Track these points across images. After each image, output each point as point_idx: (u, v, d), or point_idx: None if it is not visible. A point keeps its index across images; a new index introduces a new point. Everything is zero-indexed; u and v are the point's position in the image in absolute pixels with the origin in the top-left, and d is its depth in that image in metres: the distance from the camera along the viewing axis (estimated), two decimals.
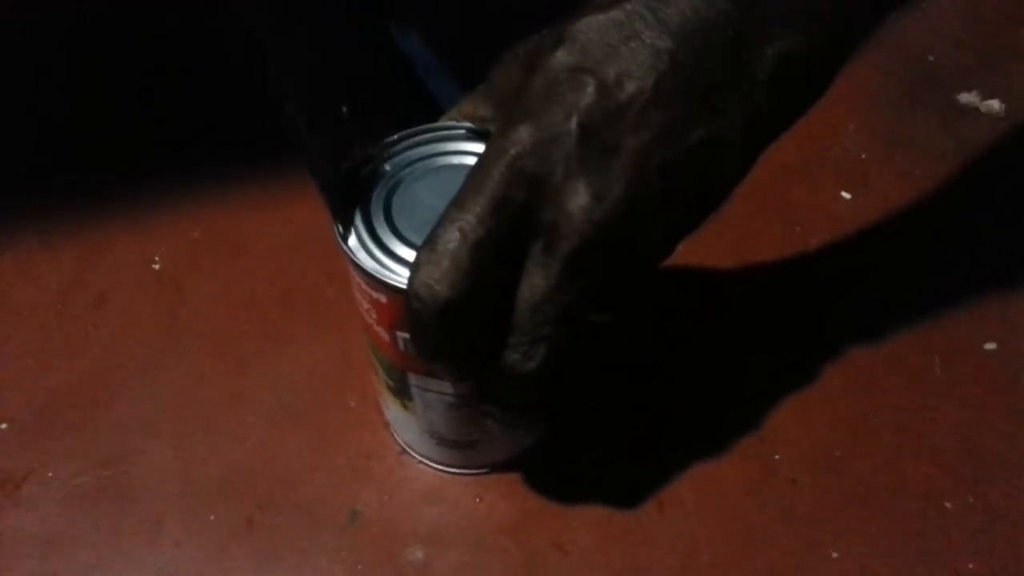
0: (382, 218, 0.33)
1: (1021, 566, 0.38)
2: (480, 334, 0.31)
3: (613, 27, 0.29)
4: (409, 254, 0.32)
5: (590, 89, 0.28)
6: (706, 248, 0.50)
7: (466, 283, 0.28)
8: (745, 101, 0.29)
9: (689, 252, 0.49)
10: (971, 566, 0.38)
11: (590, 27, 0.29)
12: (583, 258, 0.29)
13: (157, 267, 0.50)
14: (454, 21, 0.65)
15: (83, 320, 0.48)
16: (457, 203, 0.29)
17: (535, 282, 0.29)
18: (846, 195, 0.54)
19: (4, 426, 0.44)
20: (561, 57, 0.29)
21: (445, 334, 0.30)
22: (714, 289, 0.49)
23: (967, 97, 0.60)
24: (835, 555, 0.39)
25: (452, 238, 0.28)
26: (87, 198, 0.54)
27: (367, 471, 0.42)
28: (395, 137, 0.36)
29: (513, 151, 0.29)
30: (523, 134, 0.29)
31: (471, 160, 0.35)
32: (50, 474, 0.42)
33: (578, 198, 0.28)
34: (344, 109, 0.33)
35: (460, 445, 0.40)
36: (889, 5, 0.32)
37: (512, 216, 0.29)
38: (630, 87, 0.28)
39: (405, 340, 0.34)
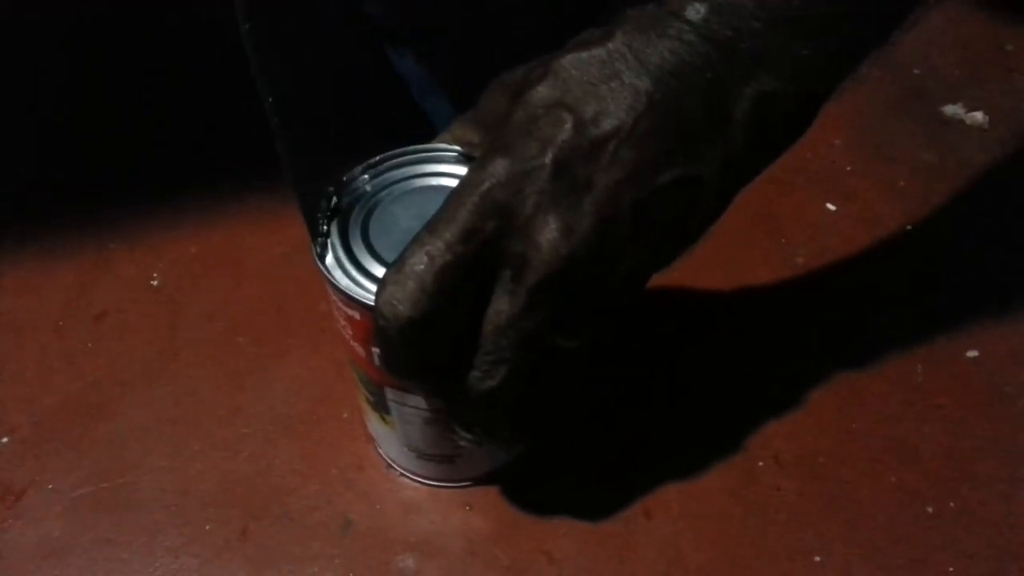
0: (359, 237, 0.34)
1: (1001, 569, 0.39)
2: (445, 354, 0.32)
3: (595, 65, 0.30)
4: (383, 273, 0.33)
5: (567, 125, 0.29)
6: (691, 260, 0.50)
7: (429, 305, 0.30)
8: (722, 141, 0.30)
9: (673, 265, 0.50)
10: (951, 569, 0.39)
11: (573, 64, 0.30)
12: (549, 289, 0.30)
13: (155, 283, 0.51)
14: (449, 44, 0.66)
15: (82, 336, 0.49)
16: (429, 228, 0.30)
17: (500, 308, 0.30)
18: (831, 207, 0.54)
19: (5, 440, 0.45)
20: (543, 91, 0.30)
21: (409, 351, 0.31)
22: (699, 300, 0.50)
23: (952, 109, 0.61)
24: (818, 559, 0.40)
25: (419, 261, 0.29)
26: (86, 215, 0.55)
27: (359, 481, 0.43)
28: (377, 158, 0.37)
29: (487, 183, 0.30)
30: (499, 167, 0.30)
31: (449, 182, 0.36)
32: (50, 486, 0.43)
33: (547, 231, 0.29)
34: (332, 132, 0.34)
35: (440, 459, 0.40)
36: (866, 45, 0.32)
37: (481, 244, 0.30)
38: (606, 125, 0.29)
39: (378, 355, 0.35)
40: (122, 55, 0.67)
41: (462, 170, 0.35)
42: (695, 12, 0.29)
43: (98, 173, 0.58)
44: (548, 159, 0.29)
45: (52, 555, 0.40)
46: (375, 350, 0.34)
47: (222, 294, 0.51)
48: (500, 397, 0.32)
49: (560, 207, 0.29)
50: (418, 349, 0.31)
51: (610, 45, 0.30)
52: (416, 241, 0.30)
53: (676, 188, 0.30)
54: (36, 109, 0.63)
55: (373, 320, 0.31)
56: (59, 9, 0.70)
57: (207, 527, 0.41)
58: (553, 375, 0.33)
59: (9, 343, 0.49)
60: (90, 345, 0.49)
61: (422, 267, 0.29)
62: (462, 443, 0.36)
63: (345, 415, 0.45)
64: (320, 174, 0.34)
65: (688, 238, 0.32)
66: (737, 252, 0.52)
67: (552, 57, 0.31)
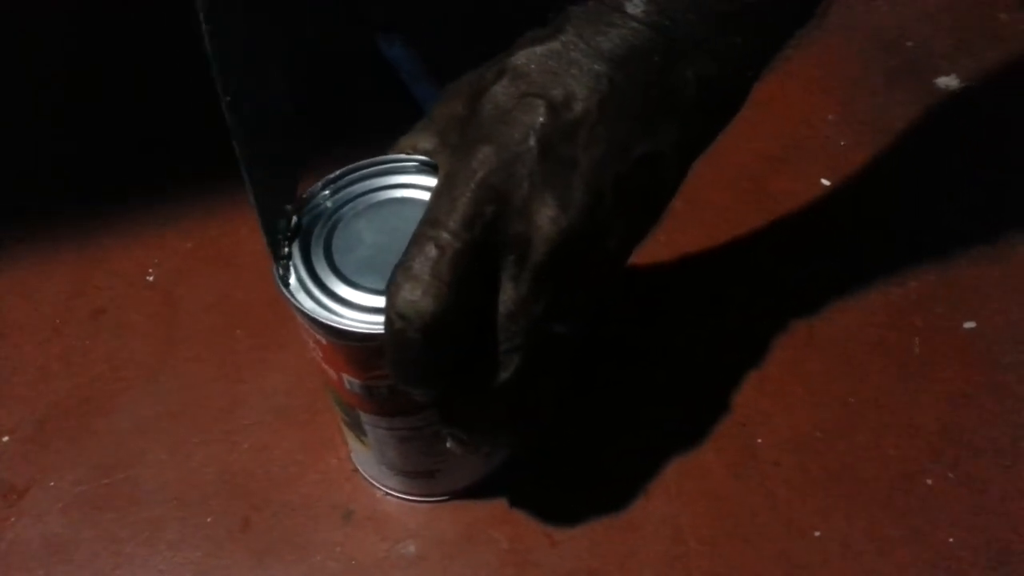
0: (322, 257, 0.33)
1: (1001, 539, 0.39)
2: (458, 354, 0.31)
3: (552, 56, 0.31)
4: (350, 294, 0.32)
5: (542, 110, 0.30)
6: (686, 236, 0.51)
7: (450, 296, 0.29)
8: (675, 118, 0.32)
9: (669, 241, 0.50)
10: (951, 540, 0.39)
11: (530, 58, 0.31)
12: (552, 266, 0.30)
13: (151, 279, 0.51)
14: (438, 29, 0.66)
15: (80, 334, 0.49)
16: (429, 221, 0.30)
17: (509, 295, 0.30)
18: (825, 182, 0.54)
19: (6, 439, 0.45)
20: (506, 85, 0.31)
21: (430, 352, 0.30)
22: (694, 276, 0.50)
23: (945, 81, 0.60)
24: (818, 534, 0.40)
25: (430, 254, 0.29)
26: (80, 214, 0.55)
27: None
28: (337, 172, 0.35)
29: (482, 170, 0.30)
30: (487, 153, 0.30)
31: (413, 193, 0.35)
32: (52, 483, 0.43)
33: (546, 209, 0.30)
34: (285, 110, 0.33)
35: (419, 475, 0.40)
36: (789, 30, 0.34)
37: (483, 231, 0.30)
38: (578, 107, 0.30)
39: (351, 381, 0.34)
40: (117, 50, 0.66)
41: (426, 180, 0.35)
42: (634, 6, 0.31)
43: (91, 168, 0.58)
44: (533, 142, 0.30)
45: (56, 552, 0.41)
46: (347, 376, 0.34)
47: (219, 288, 0.51)
48: (512, 388, 0.31)
49: (553, 186, 0.30)
50: (438, 349, 0.30)
51: (563, 38, 0.31)
52: (420, 236, 0.29)
53: (646, 162, 0.31)
54: (29, 105, 0.63)
55: (387, 329, 0.30)
56: (59, 9, 0.70)
57: (209, 519, 0.41)
58: (549, 364, 0.33)
59: (7, 342, 0.49)
60: (88, 342, 0.49)
61: (434, 258, 0.29)
62: (456, 450, 0.35)
63: None
64: (280, 191, 0.33)
65: (658, 211, 0.34)
66: (732, 228, 0.52)
67: (504, 56, 0.32)
